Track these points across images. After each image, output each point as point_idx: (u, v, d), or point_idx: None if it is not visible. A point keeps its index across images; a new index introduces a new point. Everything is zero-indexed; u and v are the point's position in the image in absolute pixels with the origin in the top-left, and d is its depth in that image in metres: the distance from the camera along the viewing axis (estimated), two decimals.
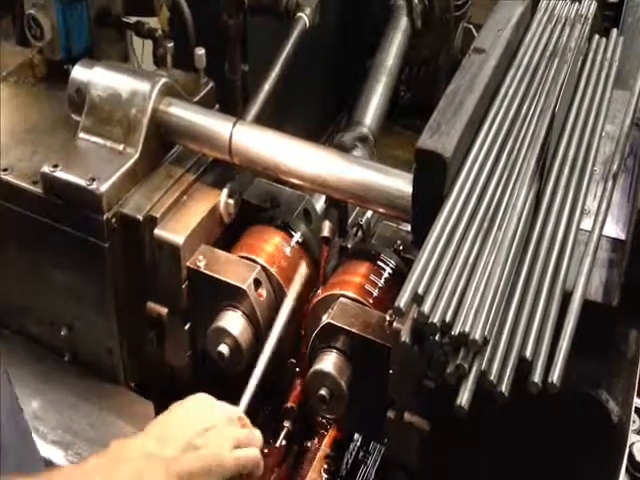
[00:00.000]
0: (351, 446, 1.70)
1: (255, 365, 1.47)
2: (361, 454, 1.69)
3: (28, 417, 1.60)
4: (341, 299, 1.47)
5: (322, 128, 2.57)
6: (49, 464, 1.47)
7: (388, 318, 1.36)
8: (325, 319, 1.44)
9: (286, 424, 1.55)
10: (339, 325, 1.42)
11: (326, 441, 1.66)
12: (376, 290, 1.51)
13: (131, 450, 1.15)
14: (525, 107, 1.36)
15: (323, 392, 1.44)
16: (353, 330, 1.41)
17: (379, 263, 1.55)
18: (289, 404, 1.56)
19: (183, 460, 1.16)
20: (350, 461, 1.68)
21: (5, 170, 1.56)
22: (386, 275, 1.54)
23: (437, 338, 1.05)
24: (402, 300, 1.06)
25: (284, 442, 1.57)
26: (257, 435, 1.29)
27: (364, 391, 1.45)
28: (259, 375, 1.45)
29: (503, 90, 1.37)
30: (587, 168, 1.30)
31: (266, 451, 1.51)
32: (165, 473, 1.13)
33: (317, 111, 2.57)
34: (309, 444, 1.68)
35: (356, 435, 1.71)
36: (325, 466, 1.62)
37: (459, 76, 1.34)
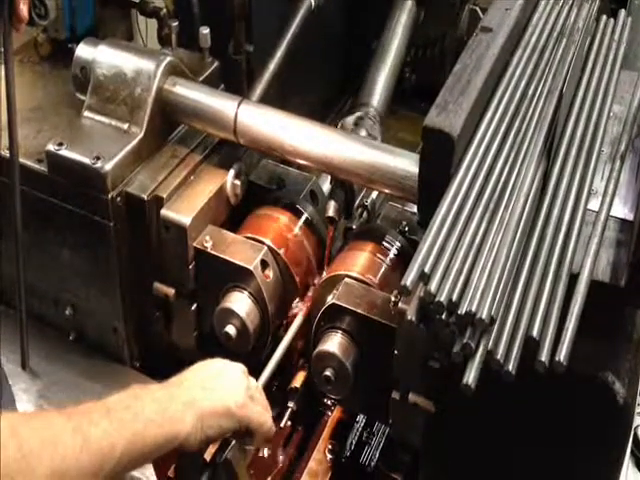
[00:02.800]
0: (355, 427, 1.71)
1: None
2: (365, 435, 1.70)
3: (32, 396, 1.62)
4: (346, 280, 1.47)
5: (327, 109, 2.55)
6: None
7: (393, 299, 1.36)
8: (330, 300, 1.44)
9: (290, 405, 1.56)
10: (344, 306, 1.42)
11: (330, 422, 1.67)
12: (381, 271, 1.51)
13: (150, 388, 1.17)
14: (532, 87, 1.36)
15: (328, 373, 1.44)
16: (358, 311, 1.41)
17: (384, 244, 1.54)
18: (294, 385, 1.56)
19: (204, 399, 1.17)
20: (354, 442, 1.68)
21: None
22: (391, 256, 1.53)
23: (444, 317, 1.05)
24: (409, 278, 1.05)
25: (289, 423, 1.57)
26: (268, 407, 1.30)
27: (369, 372, 1.45)
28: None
29: (510, 70, 1.37)
30: (594, 148, 1.30)
31: None
32: (185, 407, 1.15)
33: (322, 92, 2.56)
34: (313, 425, 1.68)
35: (360, 416, 1.71)
36: (329, 447, 1.62)
37: (466, 55, 1.33)
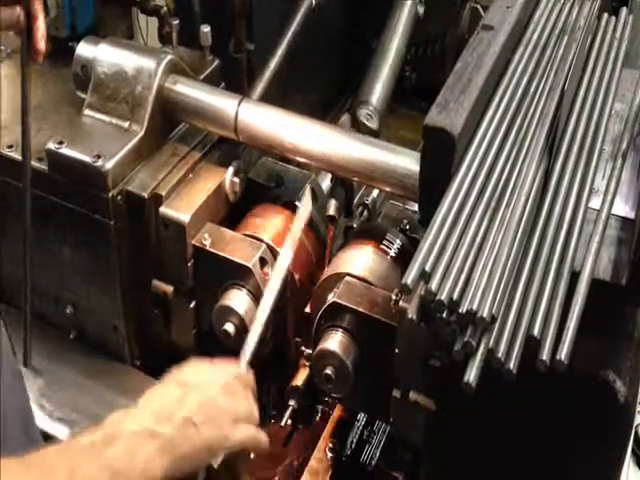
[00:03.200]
0: (356, 426, 1.70)
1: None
2: (366, 433, 1.69)
3: (33, 394, 1.61)
4: (347, 278, 1.46)
5: (328, 108, 2.55)
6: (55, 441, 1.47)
7: (394, 297, 1.36)
8: (331, 298, 1.44)
9: (291, 403, 1.56)
10: (345, 304, 1.42)
11: (331, 420, 1.66)
12: (382, 269, 1.50)
13: (126, 427, 1.09)
14: (534, 85, 1.35)
15: (329, 371, 1.44)
16: (359, 309, 1.41)
17: (385, 243, 1.54)
18: (294, 383, 1.56)
19: (182, 441, 1.10)
20: (355, 440, 1.68)
21: (10, 147, 1.56)
22: (392, 254, 1.53)
23: (444, 316, 1.04)
24: (409, 277, 1.05)
25: (289, 421, 1.57)
26: (255, 410, 1.23)
27: (370, 370, 1.44)
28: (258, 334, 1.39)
29: (512, 68, 1.36)
30: (596, 147, 1.29)
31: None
32: (159, 452, 1.07)
33: (322, 91, 2.56)
34: (314, 423, 1.68)
35: (361, 414, 1.71)
36: (330, 445, 1.62)
37: (467, 53, 1.33)
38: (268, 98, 1.76)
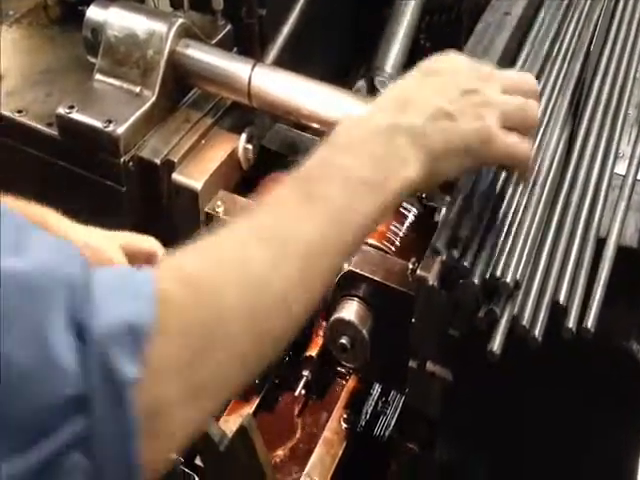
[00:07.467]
0: (371, 396, 1.69)
1: None
2: (381, 404, 1.68)
3: None
4: (362, 246, 1.44)
5: (341, 75, 2.51)
6: None
7: (411, 266, 1.33)
8: (346, 267, 1.41)
9: (305, 373, 1.54)
10: (361, 273, 1.39)
11: (346, 390, 1.65)
12: (398, 238, 1.48)
13: (362, 128, 0.90)
14: (557, 47, 1.32)
15: (344, 341, 1.42)
16: (375, 278, 1.38)
17: (401, 211, 1.51)
18: (308, 353, 1.54)
19: (435, 132, 0.88)
20: (370, 411, 1.66)
21: (20, 112, 1.53)
22: (408, 224, 1.51)
23: (470, 282, 1.02)
24: (440, 241, 1.03)
25: (303, 391, 1.55)
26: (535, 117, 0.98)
27: (386, 340, 1.42)
28: None
29: (535, 29, 1.33)
30: (621, 111, 1.26)
31: None
32: (411, 145, 0.86)
33: (336, 58, 2.52)
34: (328, 394, 1.66)
35: (376, 385, 1.69)
36: (344, 416, 1.60)
37: (489, 14, 1.30)
38: (281, 64, 1.72)
